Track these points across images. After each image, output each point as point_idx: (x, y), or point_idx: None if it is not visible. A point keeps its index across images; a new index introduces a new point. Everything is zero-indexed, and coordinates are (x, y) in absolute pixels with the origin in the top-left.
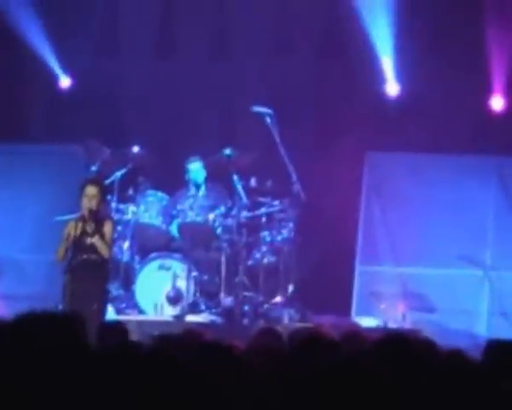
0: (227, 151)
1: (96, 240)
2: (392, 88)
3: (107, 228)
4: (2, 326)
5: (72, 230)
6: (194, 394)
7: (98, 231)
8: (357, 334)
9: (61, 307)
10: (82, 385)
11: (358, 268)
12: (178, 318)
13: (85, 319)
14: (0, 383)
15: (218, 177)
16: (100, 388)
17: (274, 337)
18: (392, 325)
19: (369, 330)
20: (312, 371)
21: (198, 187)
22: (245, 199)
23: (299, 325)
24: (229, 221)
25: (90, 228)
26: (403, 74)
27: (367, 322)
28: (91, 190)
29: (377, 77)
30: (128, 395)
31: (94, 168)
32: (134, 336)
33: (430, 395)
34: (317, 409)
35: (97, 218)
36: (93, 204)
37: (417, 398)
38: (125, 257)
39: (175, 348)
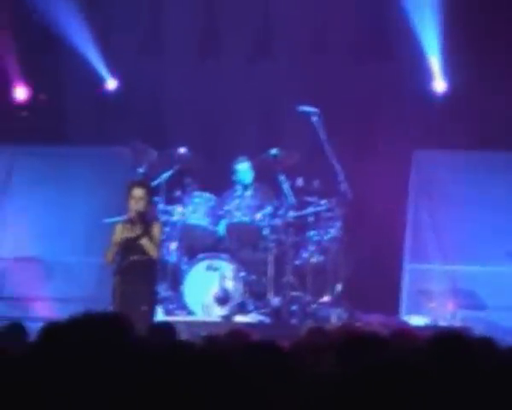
0: (273, 151)
1: (144, 242)
2: (440, 86)
3: (156, 230)
4: (57, 328)
5: (120, 232)
6: (241, 393)
7: (146, 232)
8: (407, 332)
9: (110, 308)
10: (134, 385)
11: (407, 266)
12: (227, 318)
13: (135, 321)
14: (55, 384)
15: (264, 177)
16: (151, 388)
17: (323, 337)
18: (441, 323)
19: (419, 328)
20: (363, 369)
21: (245, 187)
22: (292, 199)
23: (347, 324)
24: (277, 221)
25: (138, 230)
26: (450, 72)
27: (416, 320)
28: (138, 191)
29: (424, 75)
30: (178, 395)
31: (141, 170)
32: (183, 336)
33: (487, 393)
34: (369, 408)
35: (145, 220)
36: (140, 206)
37: (474, 396)
38: (173, 258)
39: (222, 348)
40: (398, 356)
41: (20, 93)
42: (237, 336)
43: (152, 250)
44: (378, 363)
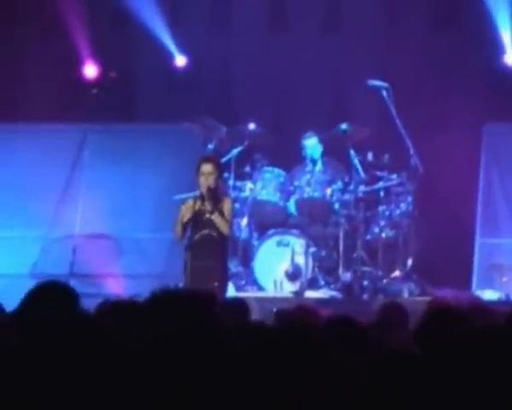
0: (343, 126)
1: (215, 217)
2: (511, 58)
3: (226, 206)
4: (138, 306)
5: (191, 208)
6: (320, 367)
7: (217, 208)
8: (484, 307)
9: (181, 285)
10: (218, 364)
11: (478, 240)
12: (298, 294)
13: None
14: (141, 363)
15: (334, 152)
16: (235, 366)
17: (398, 312)
18: None
19: (492, 303)
20: (447, 341)
21: (315, 163)
22: (362, 174)
23: (421, 299)
24: (347, 196)
25: (209, 206)
26: None
27: (488, 295)
28: (207, 167)
29: (495, 48)
30: (263, 372)
31: (211, 146)
32: (254, 312)
33: None
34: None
35: (216, 195)
36: (211, 182)
37: None
38: (244, 234)
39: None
40: (476, 330)
41: (90, 71)
42: (306, 312)
43: (223, 226)
44: (462, 335)
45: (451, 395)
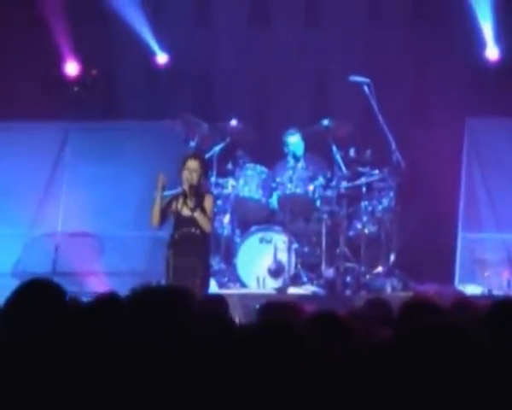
0: (325, 122)
1: (197, 214)
2: (492, 52)
3: (208, 203)
4: (119, 301)
5: (174, 204)
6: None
7: (199, 205)
8: (467, 301)
9: (163, 282)
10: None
11: (461, 235)
12: (280, 290)
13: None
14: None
15: (316, 148)
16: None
17: (382, 307)
18: (496, 292)
19: (475, 297)
20: (415, 331)
21: (297, 159)
22: (344, 169)
23: (404, 294)
24: (329, 192)
25: (191, 203)
26: (502, 38)
27: (471, 289)
28: (192, 163)
29: (476, 41)
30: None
31: (192, 143)
32: (237, 309)
33: None
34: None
35: (198, 192)
36: (194, 177)
37: None
38: (226, 231)
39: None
40: (453, 322)
41: (72, 68)
42: (290, 307)
43: (205, 223)
44: (431, 326)
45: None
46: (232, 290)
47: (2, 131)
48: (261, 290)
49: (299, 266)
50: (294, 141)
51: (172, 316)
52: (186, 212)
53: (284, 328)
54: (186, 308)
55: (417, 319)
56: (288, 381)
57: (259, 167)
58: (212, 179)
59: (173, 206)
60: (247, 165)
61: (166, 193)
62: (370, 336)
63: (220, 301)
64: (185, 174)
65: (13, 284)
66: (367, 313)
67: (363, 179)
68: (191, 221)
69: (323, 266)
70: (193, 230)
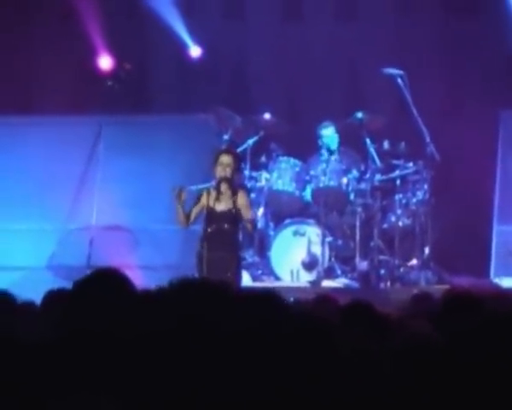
0: (359, 115)
1: (243, 211)
2: None
3: (242, 197)
4: (159, 296)
5: (206, 199)
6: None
7: (232, 199)
8: (504, 294)
9: (196, 276)
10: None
11: (496, 228)
12: (314, 283)
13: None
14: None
15: (350, 141)
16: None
17: (429, 302)
18: None
19: (511, 290)
20: (471, 330)
21: (331, 152)
22: (378, 162)
23: (439, 287)
24: (363, 185)
25: (224, 196)
26: None
27: (507, 282)
28: (225, 158)
29: (509, 33)
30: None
31: (226, 137)
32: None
33: None
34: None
35: (231, 187)
36: (227, 173)
37: None
38: (260, 224)
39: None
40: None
41: (105, 62)
42: (325, 301)
43: (246, 212)
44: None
45: (477, 385)
46: (266, 283)
47: (37, 126)
48: (295, 283)
49: (332, 258)
50: (328, 133)
51: (212, 309)
52: (219, 207)
53: (321, 324)
54: (223, 301)
55: (459, 315)
56: (321, 375)
57: (293, 160)
58: (246, 173)
59: (204, 200)
60: (281, 158)
61: (199, 187)
62: (409, 331)
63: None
64: (218, 170)
65: (47, 278)
66: (413, 309)
67: (397, 172)
68: (224, 216)
69: (357, 259)
70: (225, 226)
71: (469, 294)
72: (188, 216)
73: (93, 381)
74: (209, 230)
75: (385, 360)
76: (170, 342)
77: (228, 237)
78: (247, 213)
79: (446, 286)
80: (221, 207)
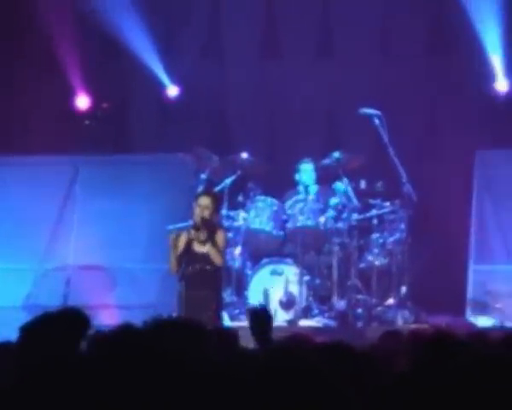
0: (336, 154)
1: (209, 248)
2: (502, 85)
3: (220, 237)
4: (132, 333)
5: (185, 238)
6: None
7: (210, 239)
8: (481, 334)
9: (174, 315)
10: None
11: (472, 267)
12: (292, 322)
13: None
14: (133, 392)
15: (327, 180)
16: (225, 393)
17: (397, 340)
18: (508, 324)
19: (486, 329)
20: (452, 370)
21: (307, 190)
22: (355, 201)
23: (416, 326)
24: (340, 224)
25: (202, 236)
26: None
27: (482, 321)
28: (205, 200)
29: (486, 74)
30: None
31: (203, 176)
32: (248, 341)
33: None
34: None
35: (209, 226)
36: (206, 214)
37: None
38: (237, 263)
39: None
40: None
41: (83, 102)
42: (299, 339)
43: (216, 258)
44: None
45: None
46: (243, 323)
47: (14, 166)
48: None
49: (310, 298)
50: (308, 168)
51: (187, 348)
52: (198, 248)
53: (296, 358)
54: (198, 340)
55: (440, 352)
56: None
57: (270, 199)
58: (224, 212)
59: (183, 241)
60: (258, 197)
61: (177, 226)
62: (387, 369)
63: (230, 333)
64: (197, 211)
65: (23, 318)
66: (383, 346)
67: (374, 211)
68: (203, 257)
69: (335, 298)
70: (204, 265)
71: (450, 335)
72: (179, 261)
73: None
74: (189, 270)
75: (360, 398)
76: (132, 378)
77: (209, 277)
78: (216, 258)
79: (423, 325)
80: (201, 249)
